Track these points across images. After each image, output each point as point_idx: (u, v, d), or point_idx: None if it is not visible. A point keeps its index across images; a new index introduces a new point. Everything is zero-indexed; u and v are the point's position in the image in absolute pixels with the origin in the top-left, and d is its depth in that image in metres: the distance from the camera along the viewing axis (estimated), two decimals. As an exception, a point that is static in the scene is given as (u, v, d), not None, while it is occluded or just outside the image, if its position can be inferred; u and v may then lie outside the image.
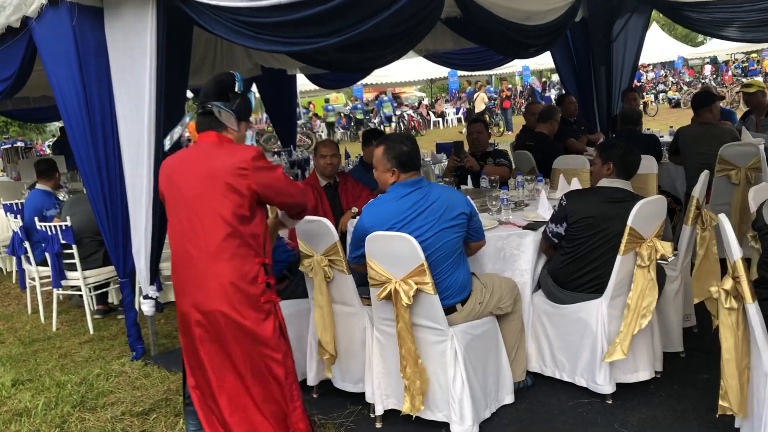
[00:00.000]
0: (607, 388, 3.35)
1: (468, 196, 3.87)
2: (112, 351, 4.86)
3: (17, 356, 4.97)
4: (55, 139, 15.71)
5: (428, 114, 27.24)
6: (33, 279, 5.89)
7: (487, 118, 22.52)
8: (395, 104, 29.18)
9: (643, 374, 3.46)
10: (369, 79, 23.57)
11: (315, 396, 3.70)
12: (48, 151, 21.84)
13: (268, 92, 11.35)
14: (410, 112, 25.98)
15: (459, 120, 24.63)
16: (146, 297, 4.56)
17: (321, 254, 3.39)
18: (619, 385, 3.39)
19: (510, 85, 30.30)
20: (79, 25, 4.15)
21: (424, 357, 3.18)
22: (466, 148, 5.72)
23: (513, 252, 3.70)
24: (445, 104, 28.64)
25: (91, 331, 5.33)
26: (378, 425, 3.35)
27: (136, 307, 4.74)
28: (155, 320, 4.75)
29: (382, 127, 24.99)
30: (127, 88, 4.21)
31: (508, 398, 3.47)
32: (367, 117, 26.46)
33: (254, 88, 11.82)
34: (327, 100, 27.95)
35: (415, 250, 3.00)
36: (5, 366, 4.74)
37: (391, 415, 3.35)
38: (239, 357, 2.74)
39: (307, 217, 3.29)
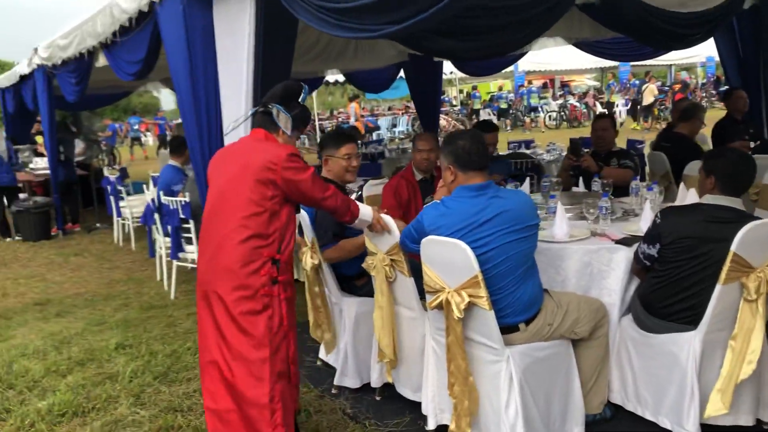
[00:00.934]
0: (694, 433, 2.90)
1: (558, 202, 3.55)
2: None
3: (132, 321, 5.30)
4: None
5: (594, 104, 25.86)
6: (161, 248, 6.30)
7: (656, 112, 20.98)
8: (561, 92, 28.12)
9: (744, 418, 2.96)
10: (532, 66, 22.89)
11: (378, 398, 3.57)
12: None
13: (414, 78, 11.35)
14: (574, 101, 24.81)
15: (628, 112, 23.14)
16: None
17: (384, 253, 3.23)
18: (710, 428, 2.93)
19: (692, 77, 28.02)
20: (188, 8, 4.29)
21: (476, 375, 2.92)
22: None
23: (602, 268, 3.30)
24: (614, 95, 27.06)
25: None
26: (438, 440, 3.16)
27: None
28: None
29: (522, 117, 24.28)
30: (229, 72, 4.29)
31: (577, 430, 3.11)
32: (510, 107, 25.71)
33: (402, 73, 11.92)
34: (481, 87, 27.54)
35: (469, 260, 2.74)
36: (118, 329, 5.06)
37: (444, 430, 3.13)
38: (224, 339, 2.76)
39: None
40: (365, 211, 3.12)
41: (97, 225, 10.03)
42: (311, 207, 2.97)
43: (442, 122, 24.21)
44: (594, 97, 26.35)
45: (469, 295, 2.79)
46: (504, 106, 25.28)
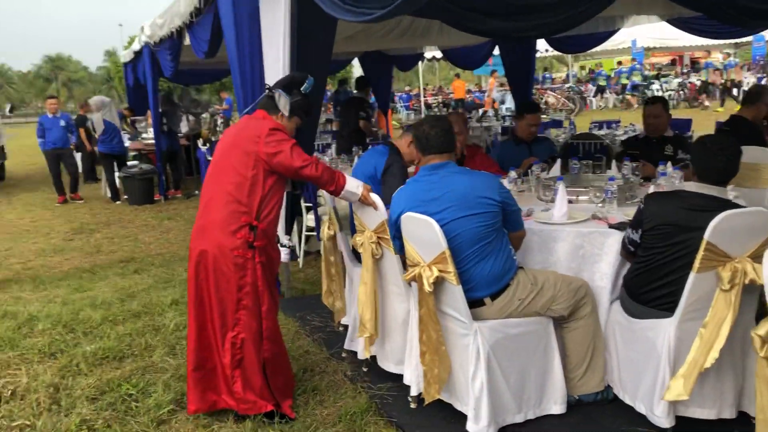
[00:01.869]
0: (663, 421, 2.88)
1: (561, 183, 3.58)
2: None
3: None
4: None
5: (719, 83, 24.22)
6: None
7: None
8: (686, 71, 26.56)
9: (728, 411, 2.92)
10: (653, 43, 21.74)
11: (365, 369, 3.74)
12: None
13: (508, 55, 11.24)
14: (694, 79, 23.37)
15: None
16: (282, 245, 4.99)
17: (372, 230, 3.40)
18: (688, 421, 2.90)
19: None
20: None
21: (449, 346, 3.05)
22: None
23: (594, 252, 3.31)
24: (746, 72, 25.18)
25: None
26: (413, 406, 3.31)
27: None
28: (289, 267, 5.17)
29: (620, 96, 23.02)
30: (270, 52, 4.56)
31: (556, 408, 3.17)
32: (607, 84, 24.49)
33: (497, 50, 11.85)
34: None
35: (437, 236, 2.87)
36: (179, 287, 5.52)
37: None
38: (213, 292, 3.17)
39: None
40: (352, 184, 3.32)
41: (196, 192, 10.77)
42: (292, 177, 3.23)
43: (551, 99, 23.72)
44: (720, 75, 24.68)
45: (439, 270, 2.93)
46: (602, 83, 24.18)
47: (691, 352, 2.77)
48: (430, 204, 3.03)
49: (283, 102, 3.27)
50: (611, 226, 3.30)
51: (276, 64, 4.44)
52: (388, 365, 3.60)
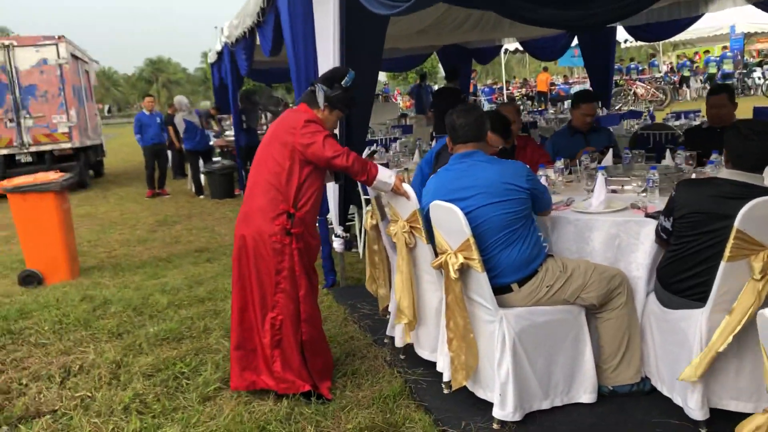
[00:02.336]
0: (697, 413, 2.82)
1: (601, 172, 3.54)
2: (315, 278, 5.58)
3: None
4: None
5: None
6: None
7: None
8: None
9: (760, 405, 2.81)
10: (754, 28, 20.59)
11: (402, 357, 3.82)
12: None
13: (586, 46, 11.04)
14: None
15: None
16: (336, 236, 5.15)
17: (404, 220, 3.47)
18: (725, 414, 2.82)
19: None
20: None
21: (476, 333, 3.10)
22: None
23: (630, 242, 3.25)
24: None
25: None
26: (445, 392, 3.37)
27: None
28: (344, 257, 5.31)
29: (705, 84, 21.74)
30: (323, 48, 4.71)
31: (586, 397, 3.15)
32: (692, 73, 23.25)
33: (575, 41, 11.65)
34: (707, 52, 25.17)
35: (461, 224, 2.92)
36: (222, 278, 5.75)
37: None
38: (254, 276, 3.36)
39: None
40: (384, 174, 3.41)
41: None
42: (325, 167, 3.35)
43: (640, 90, 22.88)
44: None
45: (464, 257, 2.98)
46: (686, 73, 23.05)
47: (713, 337, 2.71)
48: (458, 192, 3.09)
49: (321, 96, 3.41)
50: (648, 215, 3.23)
51: (327, 61, 4.59)
52: (423, 352, 3.67)
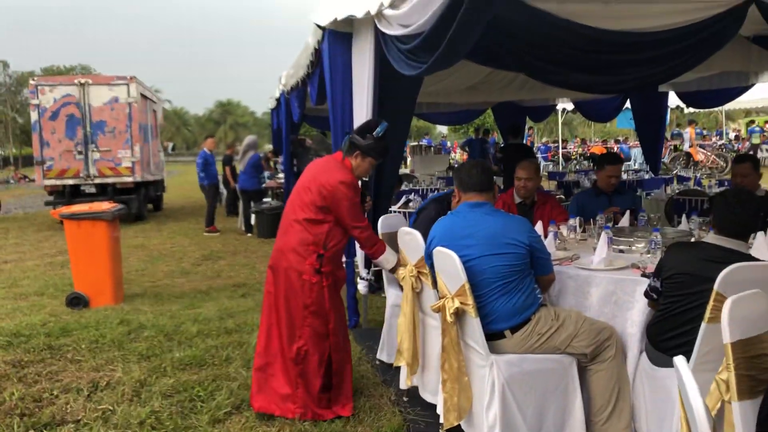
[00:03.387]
0: (679, 473, 2.87)
1: (607, 233, 3.67)
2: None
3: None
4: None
5: None
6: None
7: None
8: None
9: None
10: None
11: (405, 399, 3.95)
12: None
13: (638, 109, 11.12)
14: None
15: None
16: (362, 278, 5.37)
17: (413, 265, 3.67)
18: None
19: None
20: (332, 45, 5.12)
21: (471, 376, 3.24)
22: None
23: (626, 299, 3.36)
24: None
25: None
26: (441, 432, 3.50)
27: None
28: (368, 299, 5.51)
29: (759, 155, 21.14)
30: (359, 98, 5.02)
31: (575, 449, 3.23)
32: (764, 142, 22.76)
33: (628, 104, 11.76)
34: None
35: (457, 270, 3.10)
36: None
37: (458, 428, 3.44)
38: (283, 307, 3.67)
39: (405, 229, 3.80)
40: (389, 257, 3.84)
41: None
42: (344, 226, 3.74)
43: (700, 156, 22.57)
44: None
45: (460, 302, 3.15)
46: (756, 140, 22.62)
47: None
48: (464, 239, 3.28)
49: (351, 145, 3.78)
50: (644, 275, 3.35)
51: (361, 113, 4.89)
52: (426, 395, 3.81)
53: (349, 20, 4.82)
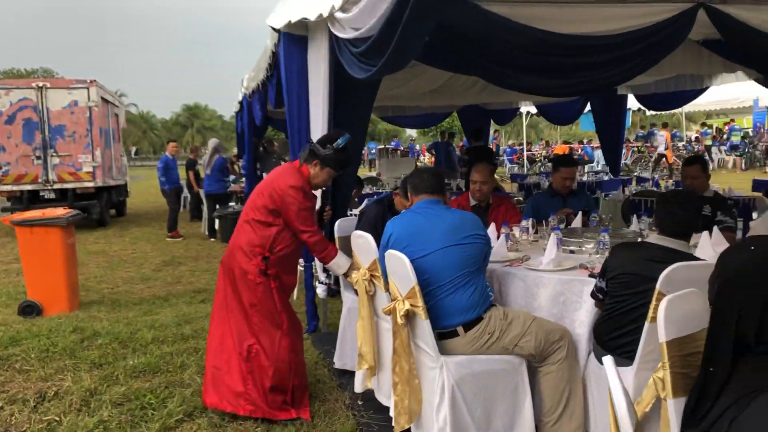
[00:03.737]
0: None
1: (557, 234, 3.70)
2: (299, 323, 5.74)
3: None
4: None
5: None
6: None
7: None
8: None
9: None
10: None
11: (360, 403, 3.94)
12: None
13: (598, 111, 11.28)
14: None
15: None
16: (320, 282, 5.33)
17: (366, 268, 3.66)
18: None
19: None
20: (287, 48, 5.09)
21: (421, 378, 3.24)
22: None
23: (574, 299, 3.40)
24: None
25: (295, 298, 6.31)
26: (394, 436, 3.49)
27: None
28: (327, 303, 5.49)
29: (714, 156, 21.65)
30: (315, 103, 5.00)
31: (525, 450, 3.25)
32: (716, 143, 23.36)
33: (588, 107, 11.90)
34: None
35: (407, 272, 3.10)
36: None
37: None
38: (236, 305, 3.71)
39: (357, 232, 3.78)
40: (340, 262, 3.85)
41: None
42: (293, 230, 3.75)
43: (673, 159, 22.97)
44: None
45: (411, 304, 3.14)
46: (708, 142, 23.18)
47: (639, 402, 2.80)
48: (425, 232, 3.32)
49: (313, 154, 3.80)
50: (591, 275, 3.38)
51: (317, 117, 4.88)
52: (382, 398, 3.79)
53: (304, 23, 4.80)
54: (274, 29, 5.29)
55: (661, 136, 22.86)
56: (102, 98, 13.50)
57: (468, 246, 3.26)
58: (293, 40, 5.07)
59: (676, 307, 2.24)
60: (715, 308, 1.56)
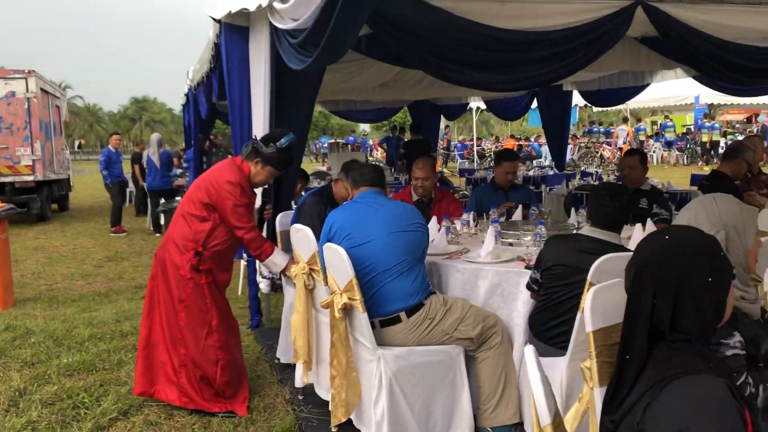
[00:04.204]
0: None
1: (496, 226, 3.72)
2: (242, 318, 5.65)
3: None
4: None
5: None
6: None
7: None
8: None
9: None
10: (719, 99, 21.22)
11: (300, 398, 3.89)
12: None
13: (544, 107, 11.46)
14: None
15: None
16: (263, 277, 5.27)
17: (305, 262, 3.63)
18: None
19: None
20: (228, 40, 5.00)
21: (359, 371, 3.23)
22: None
23: (511, 291, 3.44)
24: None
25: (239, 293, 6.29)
26: (333, 430, 3.46)
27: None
28: (271, 298, 5.43)
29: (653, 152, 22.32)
30: (256, 95, 4.92)
31: (464, 438, 3.27)
32: (657, 139, 24.14)
33: (534, 104, 12.06)
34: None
35: (345, 265, 3.08)
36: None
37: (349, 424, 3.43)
38: (166, 297, 3.64)
39: (297, 226, 3.75)
40: (275, 260, 3.77)
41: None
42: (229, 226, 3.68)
43: (606, 153, 23.52)
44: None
45: (348, 298, 3.13)
46: (642, 137, 23.83)
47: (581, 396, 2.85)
48: (369, 221, 3.33)
49: (254, 153, 3.74)
50: (527, 267, 3.42)
51: (259, 110, 4.80)
52: (322, 392, 3.77)
53: (245, 14, 4.72)
54: (214, 20, 5.19)
55: (622, 130, 23.37)
56: (42, 89, 13.07)
57: (411, 233, 3.30)
58: (234, 30, 4.98)
59: (602, 298, 2.28)
60: (630, 296, 1.58)
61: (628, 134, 23.35)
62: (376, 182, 3.53)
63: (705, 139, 23.31)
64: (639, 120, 28.22)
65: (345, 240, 3.31)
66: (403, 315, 3.23)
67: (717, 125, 24.30)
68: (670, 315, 1.53)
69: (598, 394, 2.18)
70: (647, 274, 1.54)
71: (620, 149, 22.85)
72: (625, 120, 25.16)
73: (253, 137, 4.08)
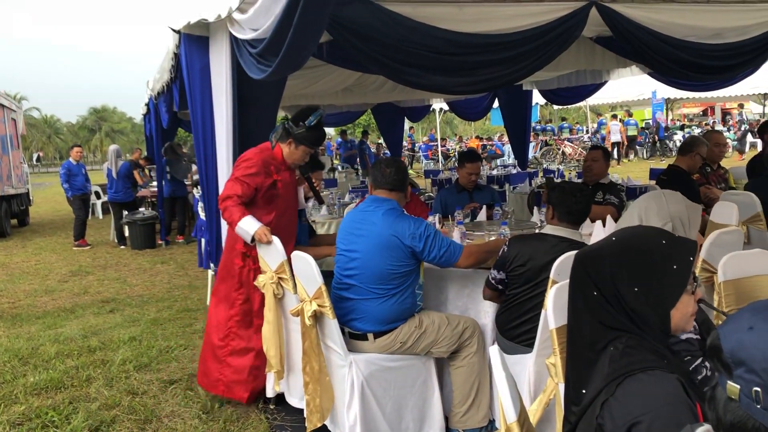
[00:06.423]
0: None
1: (461, 228, 3.77)
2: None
3: (160, 320, 6.06)
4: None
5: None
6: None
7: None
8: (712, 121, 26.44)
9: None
10: (675, 94, 21.71)
11: (272, 407, 3.91)
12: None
13: (505, 106, 11.60)
14: (699, 130, 23.43)
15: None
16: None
17: (273, 271, 3.64)
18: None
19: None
20: (188, 49, 4.98)
21: (332, 376, 3.25)
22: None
23: (478, 291, 3.50)
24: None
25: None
26: (306, 436, 3.49)
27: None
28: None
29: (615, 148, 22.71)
30: (218, 104, 4.92)
31: (435, 441, 3.33)
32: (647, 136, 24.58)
33: (496, 103, 12.20)
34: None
35: (314, 273, 3.11)
36: (143, 326, 5.82)
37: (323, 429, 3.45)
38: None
39: None
40: (246, 222, 3.62)
41: (194, 237, 11.15)
42: None
43: (568, 150, 23.86)
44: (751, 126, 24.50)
45: (318, 305, 3.15)
46: (632, 133, 24.24)
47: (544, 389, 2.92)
48: (352, 234, 3.32)
49: (285, 133, 3.88)
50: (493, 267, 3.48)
51: (221, 116, 4.79)
52: (293, 400, 3.79)
53: (204, 24, 4.72)
54: (174, 30, 5.17)
55: (615, 125, 23.64)
56: (-4, 103, 12.83)
57: (394, 256, 3.17)
58: (194, 41, 4.96)
59: (565, 295, 2.33)
60: (571, 291, 1.65)
61: (620, 129, 23.58)
62: (395, 186, 3.37)
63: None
64: (599, 115, 28.64)
65: (340, 241, 3.39)
66: (370, 336, 3.25)
67: (632, 121, 24.75)
68: (615, 309, 1.60)
69: (563, 389, 2.24)
70: (587, 273, 1.61)
71: (616, 143, 22.99)
72: (614, 116, 25.45)
73: (285, 119, 4.15)
